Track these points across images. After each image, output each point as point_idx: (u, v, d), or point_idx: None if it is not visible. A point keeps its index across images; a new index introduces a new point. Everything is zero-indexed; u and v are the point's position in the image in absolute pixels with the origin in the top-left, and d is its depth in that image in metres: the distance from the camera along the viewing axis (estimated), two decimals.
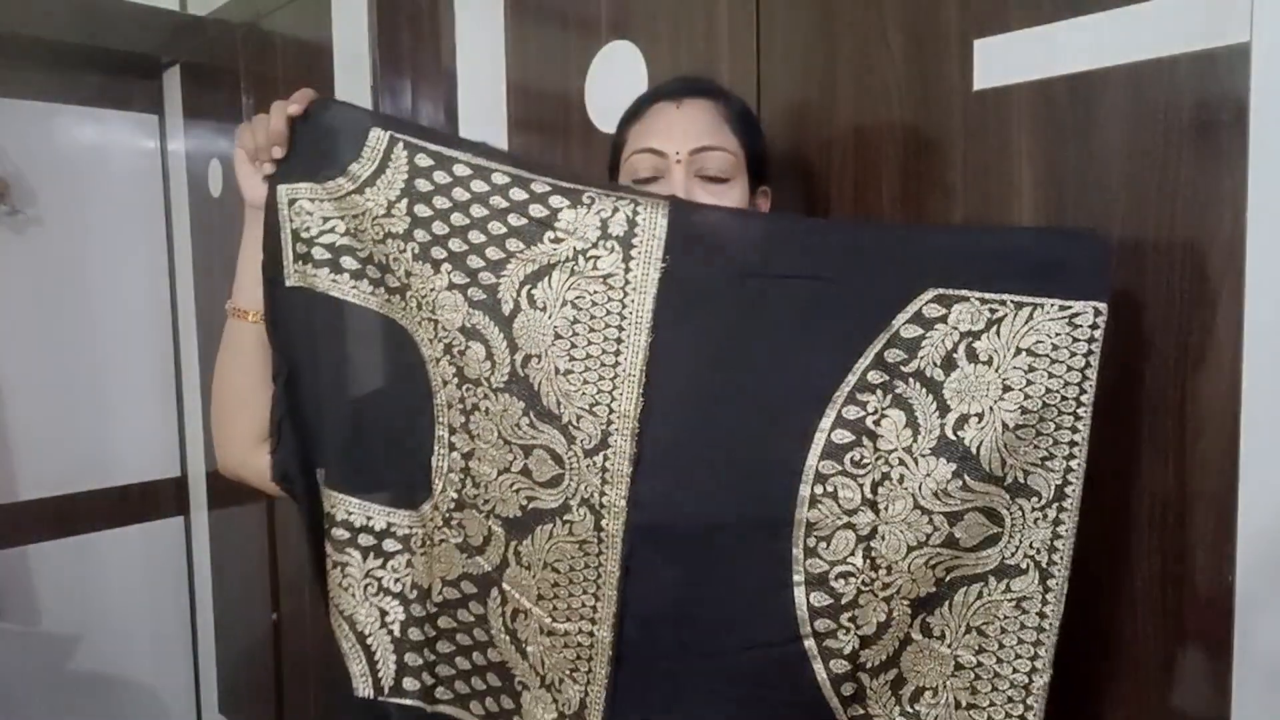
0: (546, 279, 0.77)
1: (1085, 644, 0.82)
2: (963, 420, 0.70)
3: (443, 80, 1.53)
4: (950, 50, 0.89)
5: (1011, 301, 0.70)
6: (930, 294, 0.72)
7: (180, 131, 2.29)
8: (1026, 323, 0.70)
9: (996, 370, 0.70)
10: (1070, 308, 0.69)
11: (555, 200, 0.78)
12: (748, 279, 0.76)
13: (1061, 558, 0.71)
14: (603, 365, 0.76)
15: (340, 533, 0.86)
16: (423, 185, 0.80)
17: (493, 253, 0.78)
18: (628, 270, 0.76)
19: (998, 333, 0.70)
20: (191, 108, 2.25)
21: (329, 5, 1.68)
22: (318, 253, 0.83)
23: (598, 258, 0.77)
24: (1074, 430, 0.70)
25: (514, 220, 0.78)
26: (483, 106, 1.47)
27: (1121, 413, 0.80)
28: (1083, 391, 0.69)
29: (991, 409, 0.70)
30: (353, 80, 1.63)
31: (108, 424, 2.30)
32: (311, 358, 0.86)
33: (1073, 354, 0.69)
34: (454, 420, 0.80)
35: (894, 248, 0.77)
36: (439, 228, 0.79)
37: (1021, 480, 0.71)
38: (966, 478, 0.70)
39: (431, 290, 0.79)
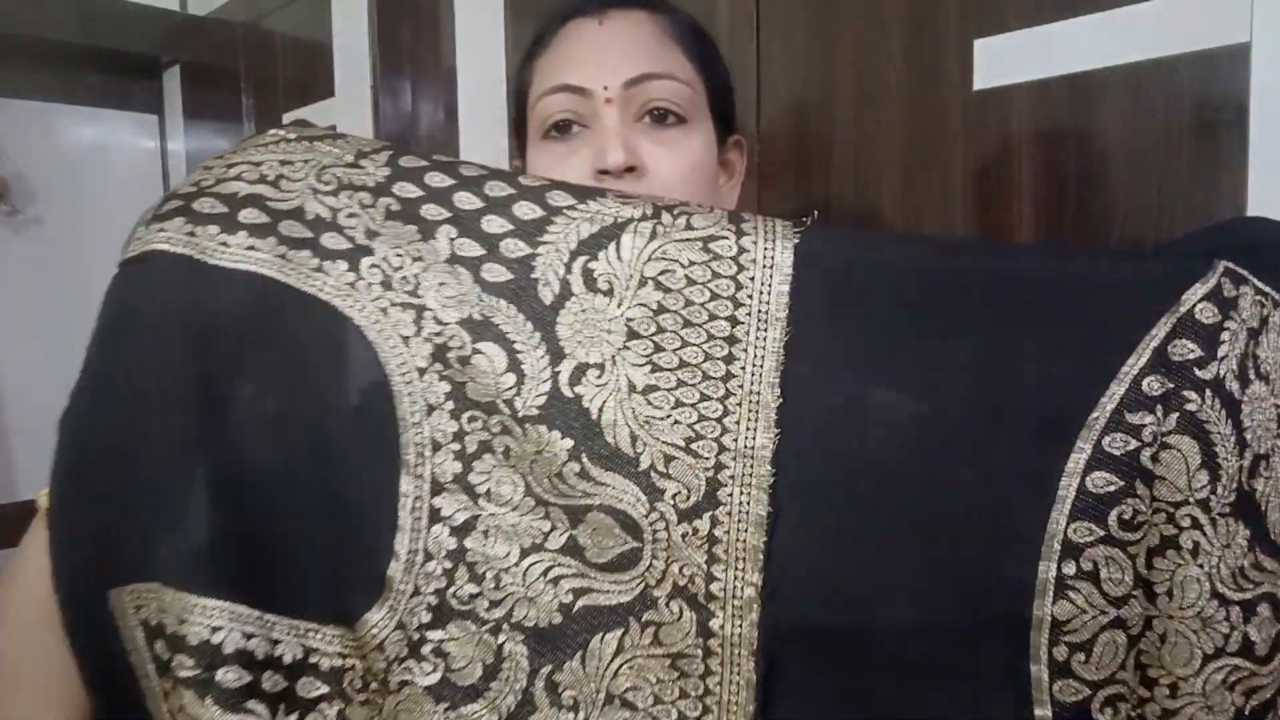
0: (614, 245, 0.50)
1: None
2: (1256, 464, 0.47)
3: (443, 80, 1.53)
4: (950, 50, 0.89)
5: (1273, 299, 0.49)
6: (1222, 266, 0.48)
7: (180, 131, 2.29)
8: None
9: (1274, 394, 0.48)
10: None
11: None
12: (935, 255, 0.53)
13: None
14: (708, 379, 0.49)
15: (190, 666, 0.47)
16: (410, 160, 0.54)
17: (525, 209, 0.51)
18: (740, 234, 0.51)
19: (1266, 338, 0.49)
20: (191, 108, 2.25)
21: (329, 5, 1.68)
22: (201, 204, 0.51)
23: (691, 214, 0.52)
24: None
25: (556, 189, 0.53)
26: (483, 106, 1.47)
27: None
28: None
29: (1274, 449, 0.48)
30: (353, 80, 1.63)
31: None
32: (149, 361, 0.50)
33: None
34: (442, 470, 0.49)
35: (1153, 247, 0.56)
36: (436, 179, 0.52)
37: None
38: (1259, 551, 0.47)
39: (416, 261, 0.50)
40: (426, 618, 0.49)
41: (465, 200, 0.52)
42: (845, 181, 0.99)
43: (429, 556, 0.49)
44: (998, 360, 0.49)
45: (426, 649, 0.49)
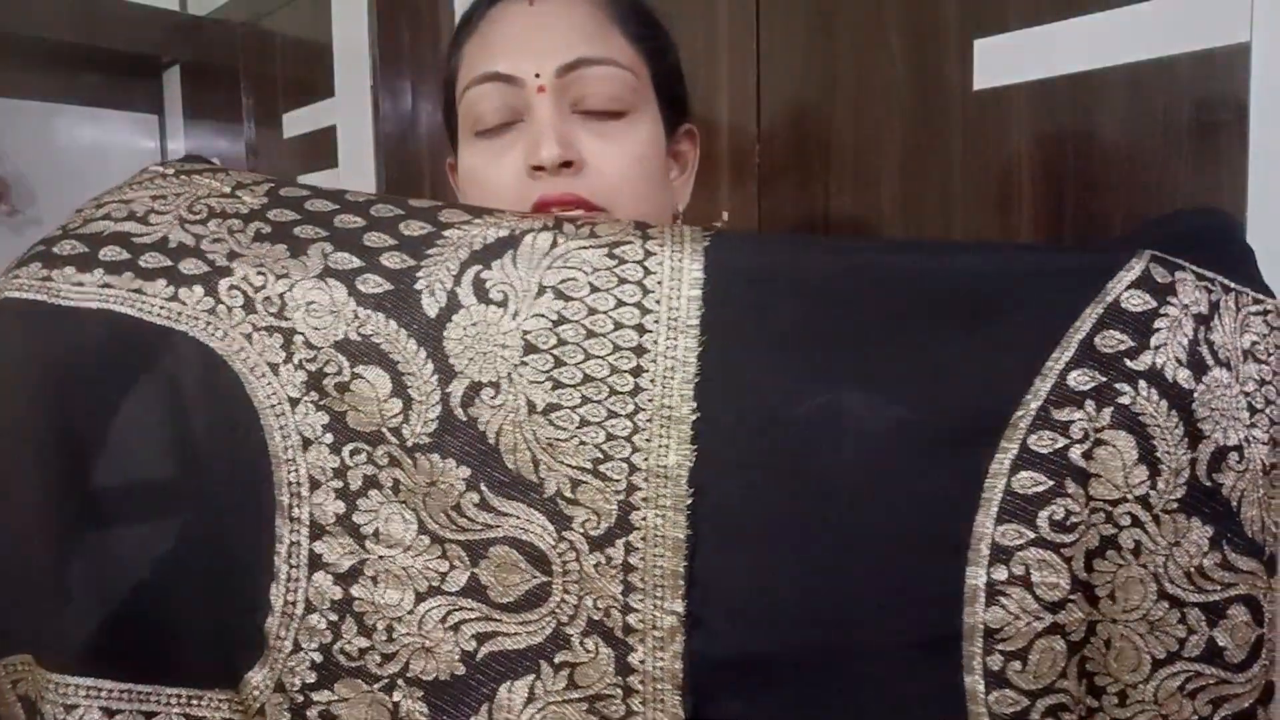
0: (510, 253, 0.46)
1: None
2: (1220, 455, 0.44)
3: (443, 80, 1.53)
4: (950, 50, 0.89)
5: (1220, 284, 0.47)
6: (1149, 255, 0.46)
7: (180, 131, 2.30)
8: (1237, 315, 0.47)
9: (1239, 381, 0.45)
10: (1262, 301, 0.48)
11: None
12: (850, 252, 0.51)
13: None
14: (615, 394, 0.45)
15: None
16: (291, 190, 0.51)
17: (414, 227, 0.47)
18: (647, 239, 0.47)
19: (1221, 324, 0.46)
20: (191, 108, 2.26)
21: (329, 5, 1.68)
22: (61, 247, 0.47)
23: (596, 224, 0.48)
24: None
25: (448, 209, 0.49)
26: None
27: None
28: None
29: (1249, 440, 0.45)
30: (353, 80, 1.63)
31: None
32: (4, 414, 0.47)
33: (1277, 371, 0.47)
34: (322, 511, 0.44)
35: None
36: (317, 204, 0.49)
37: (1273, 549, 0.46)
38: (1227, 548, 0.44)
39: (280, 279, 0.45)
40: (311, 677, 0.44)
41: (346, 220, 0.48)
42: (845, 181, 0.99)
43: (310, 608, 0.44)
44: (922, 362, 0.46)
45: (312, 712, 0.44)
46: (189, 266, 0.46)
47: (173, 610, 0.45)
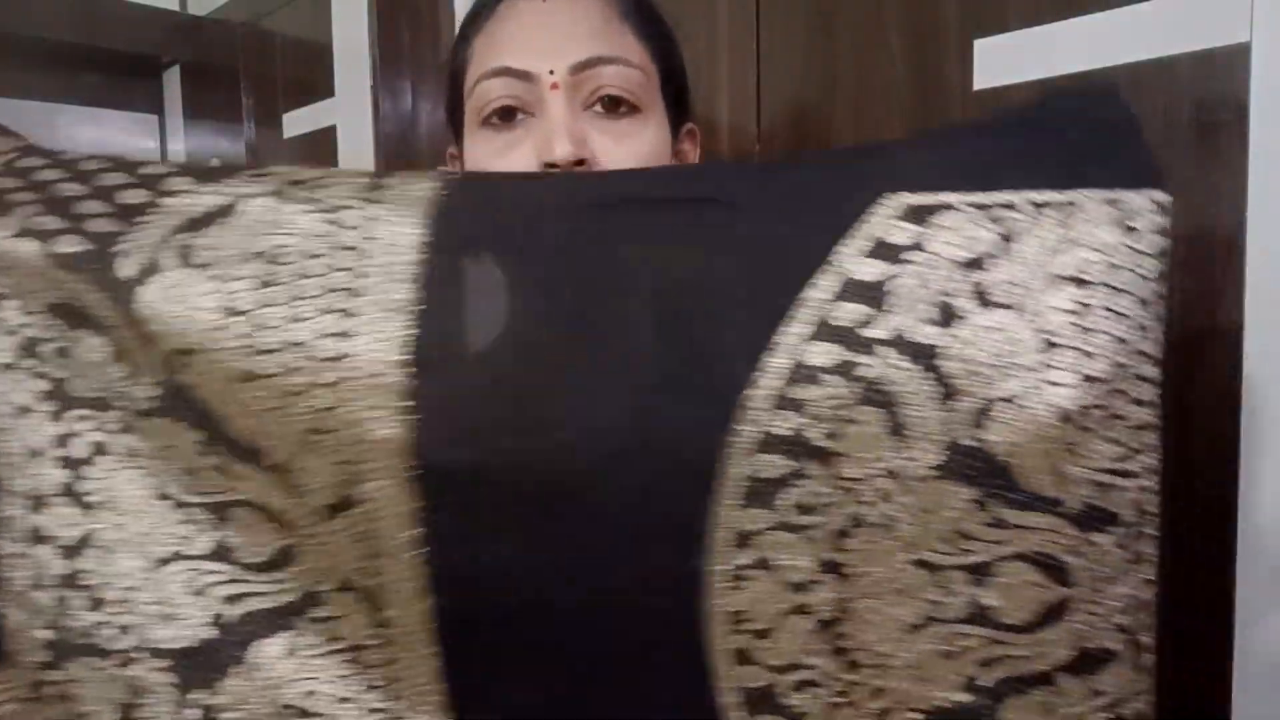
0: (225, 222, 0.44)
1: None
2: (983, 410, 0.41)
3: (443, 80, 1.53)
4: (950, 50, 0.89)
5: (1029, 204, 0.42)
6: (891, 203, 0.43)
7: (180, 131, 2.29)
8: (1059, 233, 0.42)
9: (1028, 317, 0.41)
10: (1121, 201, 0.42)
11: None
12: (594, 207, 0.46)
13: (1153, 614, 0.43)
14: (322, 360, 0.41)
15: None
16: (30, 160, 0.49)
17: (130, 195, 0.45)
18: (373, 200, 0.44)
19: (1016, 254, 0.42)
20: (191, 108, 2.25)
21: (329, 5, 1.68)
22: None
23: (329, 184, 0.45)
24: (1153, 407, 0.42)
25: (177, 176, 0.47)
26: None
27: None
28: (1160, 343, 0.42)
29: (1031, 385, 0.40)
30: (353, 80, 1.63)
31: None
32: None
33: (1143, 280, 0.42)
34: (42, 482, 0.42)
35: (831, 161, 0.53)
36: (46, 174, 0.47)
37: (1093, 500, 0.41)
38: (997, 506, 0.41)
39: None
40: (45, 657, 0.41)
41: (65, 189, 0.45)
42: None
43: (37, 585, 0.41)
44: (650, 332, 0.43)
45: (50, 691, 0.42)
46: None
47: None
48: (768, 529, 0.42)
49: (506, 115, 0.59)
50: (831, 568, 0.42)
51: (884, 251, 0.42)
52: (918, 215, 0.42)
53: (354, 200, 0.44)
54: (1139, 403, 0.41)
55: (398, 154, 1.57)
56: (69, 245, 0.42)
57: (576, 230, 0.45)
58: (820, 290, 0.42)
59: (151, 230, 0.43)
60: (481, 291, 0.43)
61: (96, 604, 0.42)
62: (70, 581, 0.42)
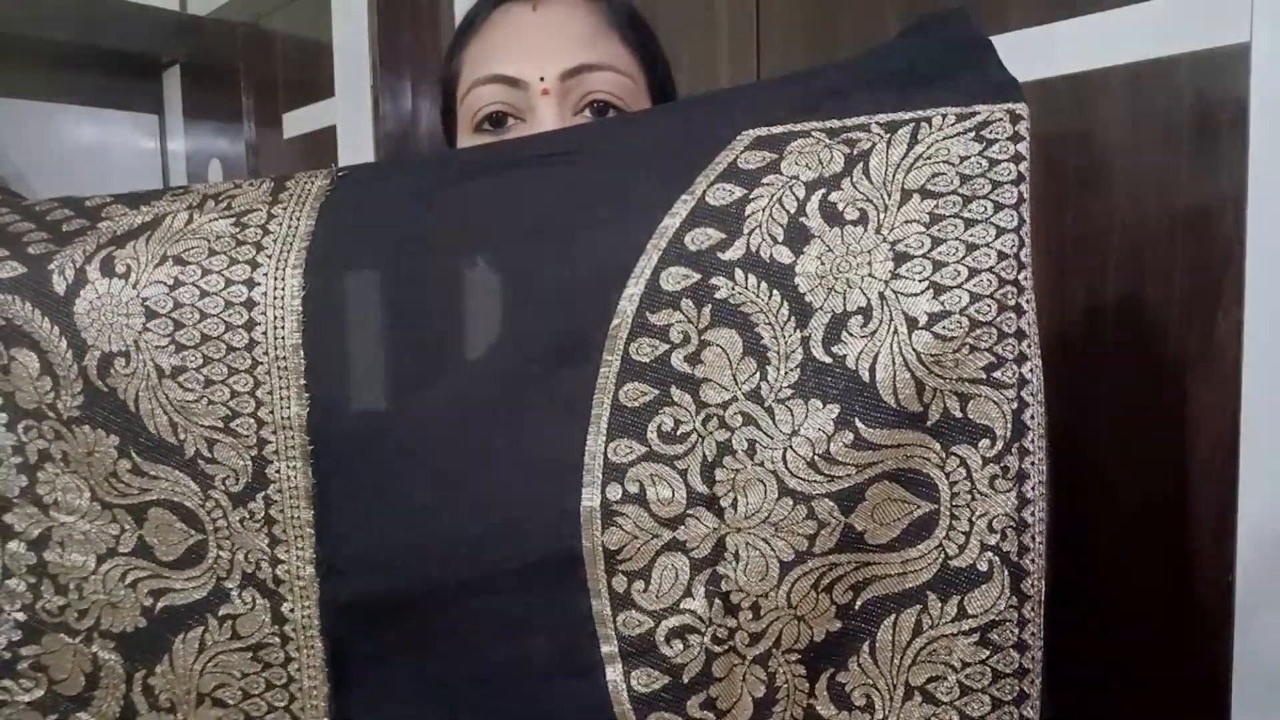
0: (145, 236, 0.48)
1: (1082, 644, 0.82)
2: (838, 325, 0.41)
3: (442, 80, 1.53)
4: None
5: (878, 125, 0.44)
6: (746, 138, 0.44)
7: (180, 131, 2.29)
8: (910, 148, 0.43)
9: (879, 231, 0.42)
10: (975, 114, 0.43)
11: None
12: (457, 183, 0.49)
13: (1035, 538, 0.42)
14: (232, 350, 0.46)
15: None
16: None
17: (71, 223, 0.49)
18: (274, 204, 0.48)
19: (866, 172, 0.43)
20: (191, 108, 2.25)
21: (329, 5, 1.68)
22: None
23: (236, 195, 0.50)
24: (1019, 313, 0.41)
25: (117, 204, 0.51)
26: None
27: (1120, 413, 0.80)
28: (1021, 245, 0.41)
29: (885, 297, 0.41)
30: (353, 80, 1.63)
31: None
32: None
33: (995, 185, 0.42)
34: (6, 484, 0.47)
35: (688, 106, 0.55)
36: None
37: (957, 413, 0.41)
38: (860, 424, 0.41)
39: None
40: (17, 635, 0.47)
41: (17, 226, 0.49)
42: None
43: (8, 573, 0.47)
44: (515, 276, 0.45)
45: (23, 665, 0.47)
46: None
47: None
48: (638, 460, 0.42)
49: (498, 121, 0.59)
50: (705, 501, 0.42)
51: (737, 176, 0.43)
52: (773, 144, 0.44)
53: (258, 204, 0.49)
54: (1005, 308, 0.41)
55: (398, 154, 1.57)
56: (8, 271, 0.47)
57: (436, 203, 0.48)
58: (675, 218, 0.43)
59: (81, 248, 0.48)
60: (356, 268, 0.47)
61: (63, 590, 0.47)
62: (39, 570, 0.47)
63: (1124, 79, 0.78)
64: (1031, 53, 0.83)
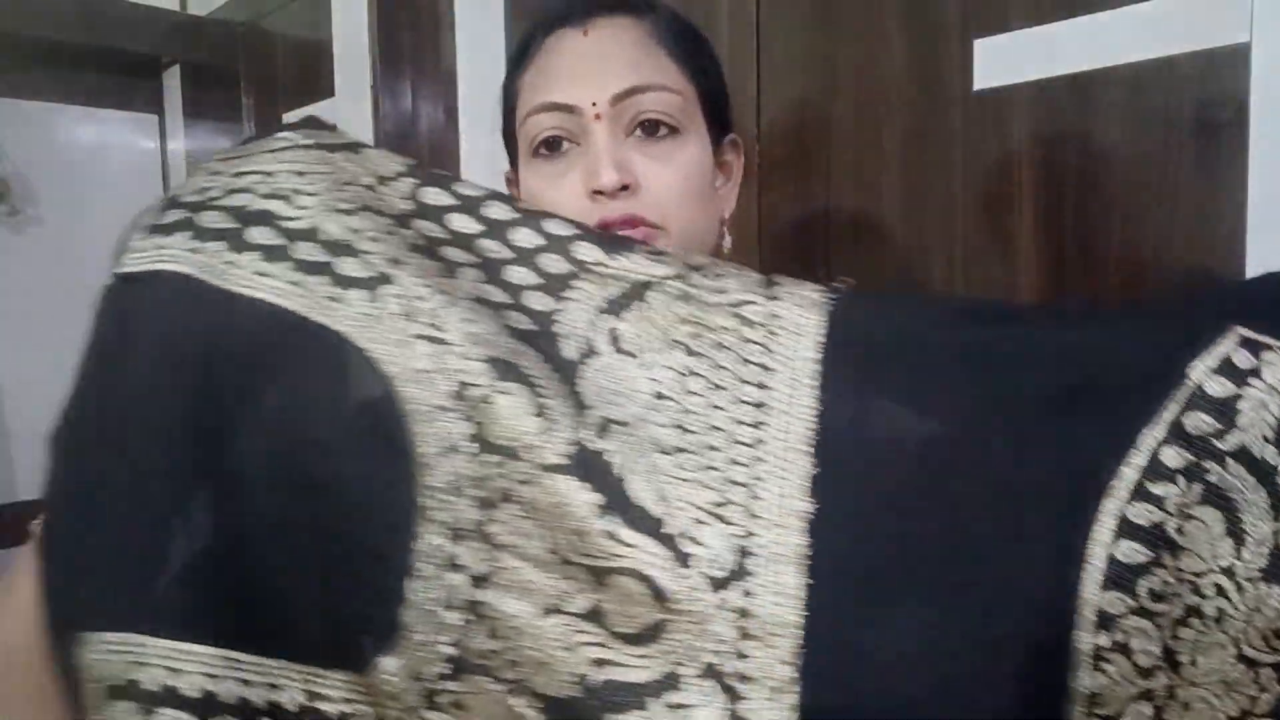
0: (641, 305, 0.49)
1: None
2: None
3: (442, 80, 1.53)
4: (950, 50, 0.89)
5: None
6: (1235, 336, 0.47)
7: (180, 131, 2.30)
8: None
9: None
10: None
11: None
12: (958, 328, 0.52)
13: None
14: (737, 443, 0.46)
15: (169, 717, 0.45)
16: (434, 195, 0.52)
17: (551, 262, 0.50)
18: (772, 299, 0.50)
19: None
20: (191, 108, 2.25)
21: (329, 5, 1.68)
22: (207, 218, 0.49)
23: (723, 276, 0.51)
24: None
25: (584, 241, 0.51)
26: (483, 106, 1.47)
27: None
28: None
29: None
30: (353, 80, 1.63)
31: None
32: (146, 388, 0.48)
33: None
34: (461, 516, 0.46)
35: (1172, 299, 0.58)
36: (459, 221, 0.51)
37: None
38: None
39: (440, 295, 0.47)
40: (445, 669, 0.45)
41: (490, 248, 0.50)
42: (845, 181, 0.99)
43: (447, 603, 0.45)
44: (1025, 434, 0.47)
45: (444, 699, 0.45)
46: (349, 268, 0.47)
47: (301, 596, 0.47)
48: (1127, 613, 0.44)
49: (554, 145, 0.63)
50: (1167, 655, 0.45)
51: (1230, 371, 0.46)
52: (1254, 348, 0.47)
53: (753, 295, 0.50)
54: None
55: (398, 154, 1.57)
56: (520, 323, 0.48)
57: (957, 342, 0.51)
58: (1176, 401, 0.46)
59: (582, 310, 0.48)
60: (876, 394, 0.49)
61: (494, 635, 0.45)
62: (475, 609, 0.45)
63: (1124, 79, 0.78)
64: (1031, 53, 0.83)
